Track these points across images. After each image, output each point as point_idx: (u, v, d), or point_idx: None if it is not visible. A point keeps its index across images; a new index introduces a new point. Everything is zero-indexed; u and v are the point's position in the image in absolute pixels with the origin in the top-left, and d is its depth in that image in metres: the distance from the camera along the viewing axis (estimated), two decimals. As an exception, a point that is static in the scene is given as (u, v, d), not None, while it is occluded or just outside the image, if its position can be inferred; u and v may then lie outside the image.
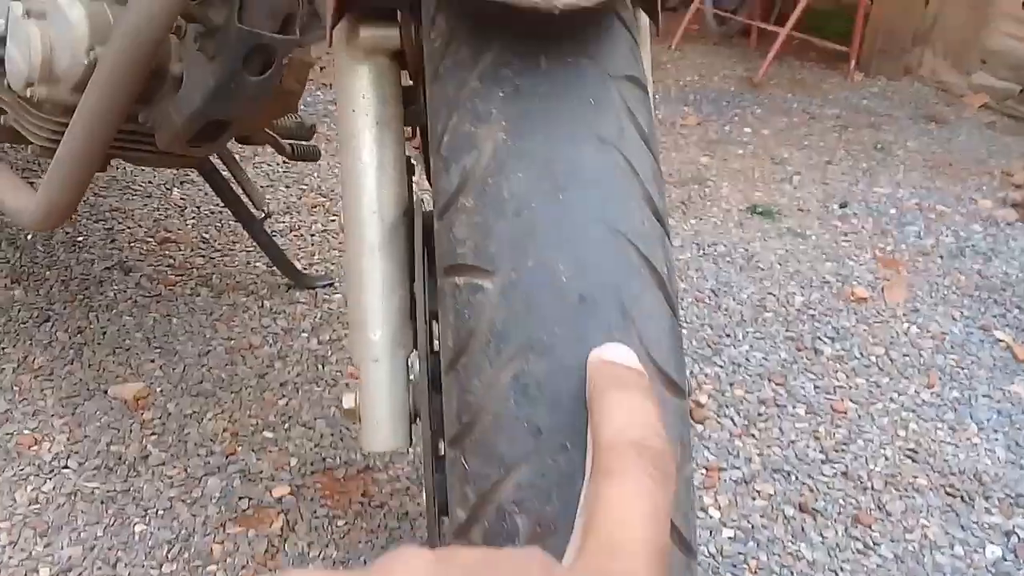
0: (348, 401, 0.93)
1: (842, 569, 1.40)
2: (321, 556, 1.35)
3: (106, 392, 1.61)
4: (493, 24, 0.61)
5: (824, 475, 1.60)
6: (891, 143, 3.19)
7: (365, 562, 1.34)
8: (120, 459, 1.48)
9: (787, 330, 2.03)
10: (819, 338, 2.01)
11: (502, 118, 0.59)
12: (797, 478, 1.58)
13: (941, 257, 2.43)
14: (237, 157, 2.00)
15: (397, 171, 0.95)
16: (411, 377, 0.93)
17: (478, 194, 0.58)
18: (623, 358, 0.47)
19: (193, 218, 2.16)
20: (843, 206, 2.65)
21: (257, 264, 2.01)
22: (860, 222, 2.57)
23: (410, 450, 1.58)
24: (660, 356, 0.56)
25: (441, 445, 1.08)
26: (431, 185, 0.65)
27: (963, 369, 1.95)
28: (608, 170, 0.58)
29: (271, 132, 1.69)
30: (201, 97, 1.23)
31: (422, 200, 1.00)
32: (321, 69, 3.08)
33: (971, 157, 3.11)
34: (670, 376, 0.56)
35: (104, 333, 1.76)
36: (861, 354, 1.96)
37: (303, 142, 1.75)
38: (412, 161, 1.04)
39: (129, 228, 2.09)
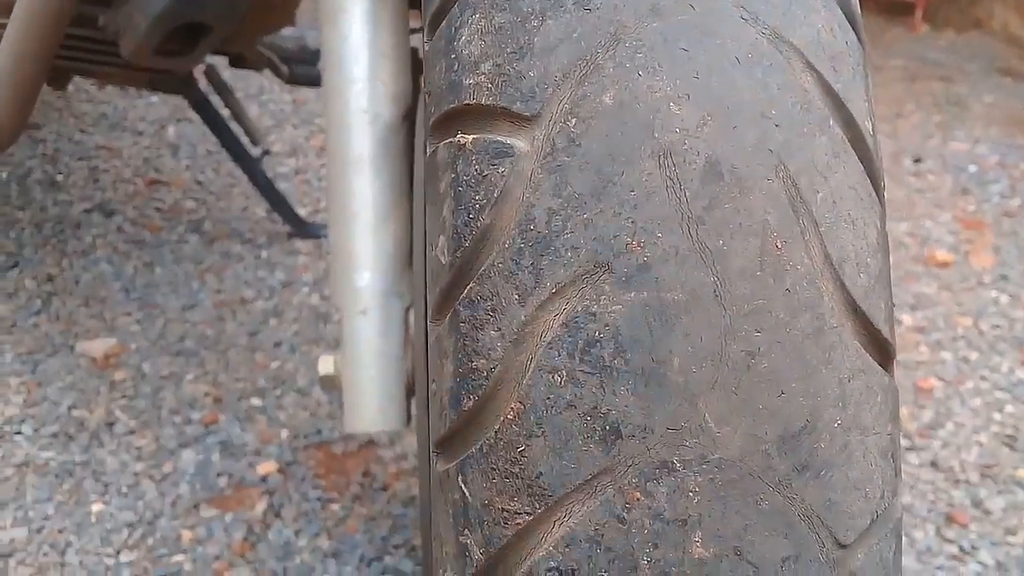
0: (325, 365, 0.69)
1: (939, 580, 1.16)
2: (310, 547, 1.13)
3: (73, 348, 1.40)
4: None
5: (909, 464, 1.35)
6: (965, 96, 2.89)
7: (362, 556, 1.12)
8: (82, 425, 1.27)
9: (858, 296, 1.77)
10: (897, 306, 1.75)
11: None
12: (878, 467, 1.33)
13: (1030, 219, 2.14)
14: (241, 95, 1.78)
15: (398, 58, 0.71)
16: (409, 335, 0.69)
17: None
18: None
19: (188, 158, 1.94)
20: (917, 161, 2.37)
21: (256, 210, 1.79)
22: (937, 179, 2.29)
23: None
24: (859, 289, 0.32)
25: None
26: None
27: (1063, 345, 1.69)
28: None
29: (267, 52, 1.46)
30: (168, -9, 1.01)
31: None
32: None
33: (1055, 114, 2.81)
34: (875, 327, 0.32)
35: (77, 282, 1.54)
36: (946, 325, 1.70)
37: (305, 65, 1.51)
38: (420, 56, 0.80)
39: (115, 167, 1.87)
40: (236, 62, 1.49)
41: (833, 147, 0.33)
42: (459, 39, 0.34)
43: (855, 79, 0.34)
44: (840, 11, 0.36)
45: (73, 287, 1.53)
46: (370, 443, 1.29)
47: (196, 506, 1.17)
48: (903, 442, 1.40)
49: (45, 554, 1.09)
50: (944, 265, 1.91)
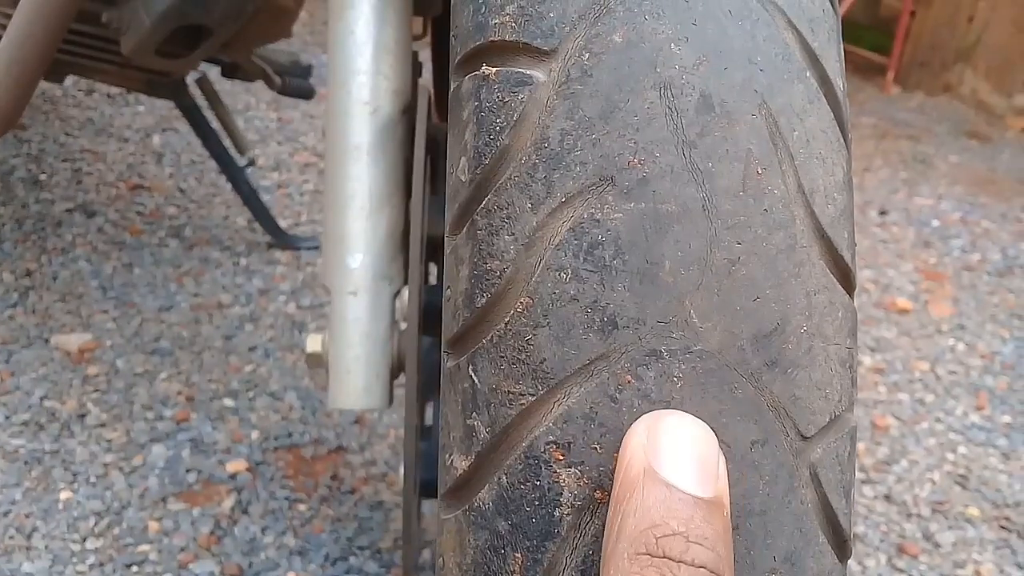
0: (313, 343, 0.72)
1: (888, 605, 1.20)
2: (276, 544, 1.14)
3: (48, 341, 1.41)
4: None
5: (864, 497, 1.39)
6: (931, 155, 2.99)
7: (326, 555, 1.13)
8: (53, 416, 1.28)
9: (821, 335, 1.82)
10: (857, 347, 1.80)
11: None
12: (834, 496, 1.37)
13: (988, 273, 2.22)
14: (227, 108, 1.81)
15: (399, 56, 0.75)
16: (397, 318, 0.72)
17: None
18: (690, 433, 0.32)
19: (171, 166, 1.96)
20: (883, 213, 2.45)
21: (236, 219, 1.81)
22: (901, 231, 2.37)
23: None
24: (827, 218, 0.36)
25: (429, 409, 0.87)
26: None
27: (1015, 392, 1.74)
28: None
29: (261, 63, 1.50)
30: (173, -8, 1.05)
31: (429, 94, 0.80)
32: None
33: (1016, 176, 2.91)
34: (839, 253, 0.36)
35: (55, 278, 1.55)
36: (904, 368, 1.75)
37: (297, 79, 1.55)
38: (419, 59, 0.84)
39: (99, 171, 1.89)
40: (230, 71, 1.52)
41: (808, 95, 0.37)
42: None
43: (830, 42, 0.39)
44: None
45: (51, 283, 1.54)
46: (339, 448, 1.31)
47: (164, 499, 1.18)
48: (858, 475, 1.44)
49: (11, 537, 1.09)
50: (904, 312, 1.97)
